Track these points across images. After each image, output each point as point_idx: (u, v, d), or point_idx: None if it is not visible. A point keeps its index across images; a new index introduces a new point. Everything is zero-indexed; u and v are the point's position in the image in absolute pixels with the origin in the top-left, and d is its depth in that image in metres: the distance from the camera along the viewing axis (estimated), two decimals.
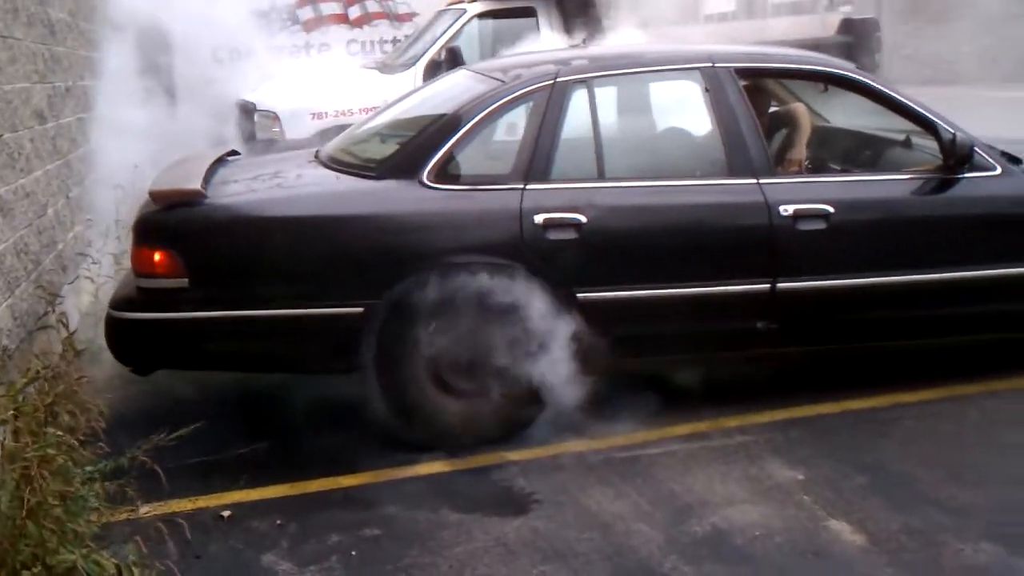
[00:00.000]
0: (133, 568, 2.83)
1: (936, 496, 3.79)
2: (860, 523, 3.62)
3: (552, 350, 4.22)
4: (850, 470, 4.01)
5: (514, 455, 4.21)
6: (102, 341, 4.47)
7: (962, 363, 4.95)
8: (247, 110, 9.56)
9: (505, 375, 4.22)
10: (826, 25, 12.14)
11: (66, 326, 4.39)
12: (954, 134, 4.59)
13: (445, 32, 9.83)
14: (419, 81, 9.33)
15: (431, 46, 9.79)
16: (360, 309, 4.18)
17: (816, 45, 8.90)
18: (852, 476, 3.96)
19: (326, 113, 9.18)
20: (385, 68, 10.02)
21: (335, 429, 4.42)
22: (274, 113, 9.27)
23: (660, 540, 3.55)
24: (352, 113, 9.00)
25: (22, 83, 4.97)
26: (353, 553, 3.53)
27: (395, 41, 11.72)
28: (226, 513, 3.82)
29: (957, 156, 4.58)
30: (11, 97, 4.72)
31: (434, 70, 9.29)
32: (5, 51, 4.69)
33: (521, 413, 4.31)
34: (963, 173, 4.63)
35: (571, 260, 4.30)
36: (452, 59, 8.94)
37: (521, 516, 3.76)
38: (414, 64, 9.68)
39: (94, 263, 5.82)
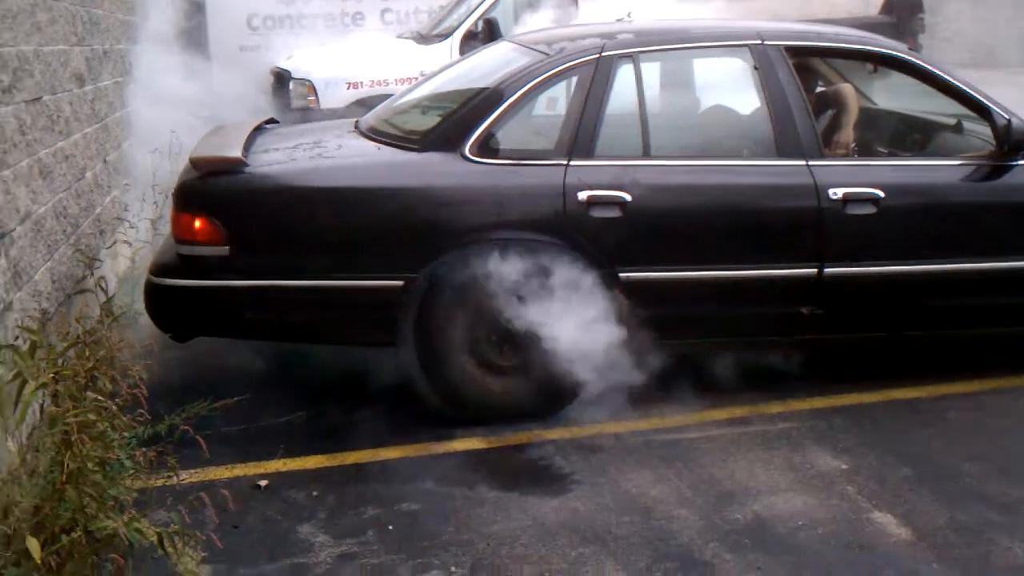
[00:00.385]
0: (175, 537, 2.80)
1: (985, 491, 3.71)
2: (906, 516, 3.55)
3: (592, 329, 4.15)
4: (895, 461, 3.94)
5: (552, 434, 4.17)
6: (139, 306, 4.46)
7: (1010, 354, 4.84)
8: (282, 78, 9.51)
9: (544, 353, 4.16)
10: (869, 4, 11.93)
11: (104, 291, 4.38)
12: (1009, 120, 4.48)
13: (482, 3, 9.72)
14: (455, 52, 9.24)
15: (467, 17, 9.70)
16: (400, 282, 4.14)
17: (858, 24, 8.74)
18: (897, 467, 3.89)
19: (361, 83, 9.12)
20: (421, 38, 9.93)
21: (373, 401, 4.39)
22: (309, 81, 9.21)
23: (701, 526, 3.50)
24: (387, 83, 8.94)
25: (61, 45, 4.94)
26: (390, 527, 3.50)
27: (430, 11, 11.62)
28: (263, 482, 3.81)
29: (1012, 142, 4.47)
30: (50, 59, 4.68)
31: (470, 41, 9.20)
32: (45, 12, 4.65)
33: (560, 392, 4.25)
34: (1018, 160, 4.52)
35: (614, 238, 4.23)
36: (489, 30, 8.84)
37: (559, 496, 3.72)
38: (450, 35, 9.59)
39: (131, 227, 5.80)
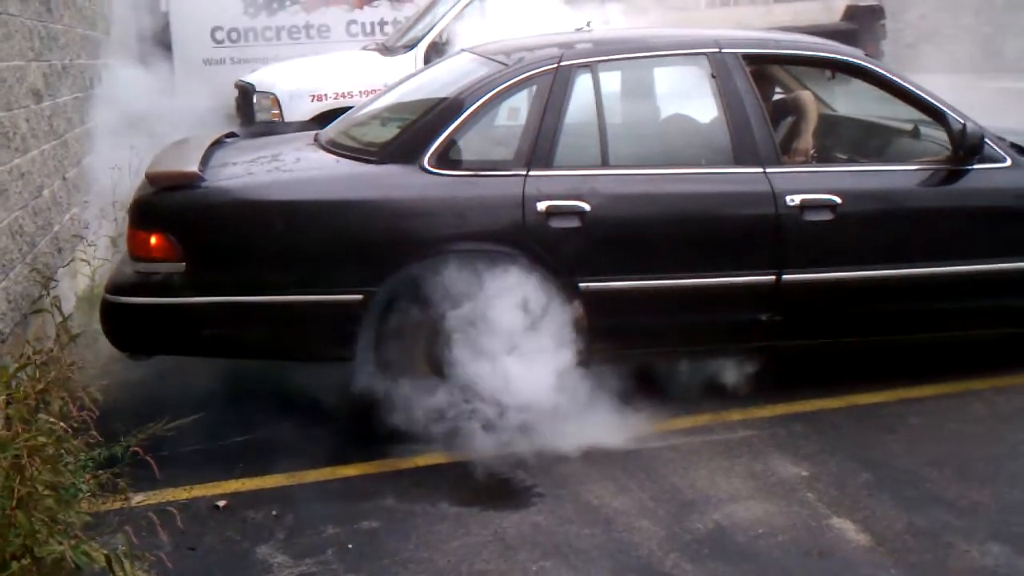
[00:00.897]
0: (124, 559, 2.76)
1: (943, 495, 3.73)
2: (865, 522, 3.56)
3: (553, 341, 4.15)
4: (855, 467, 3.95)
5: (514, 447, 4.12)
6: (99, 325, 4.40)
7: (969, 358, 4.88)
8: (246, 91, 9.46)
9: (505, 366, 4.14)
10: (831, 11, 11.99)
11: (60, 310, 4.33)
12: (964, 124, 4.52)
13: (447, 14, 9.71)
14: (420, 64, 9.21)
15: (432, 28, 9.68)
16: (359, 296, 4.12)
17: (820, 31, 8.78)
18: (857, 473, 3.90)
19: (326, 95, 9.08)
20: (385, 50, 9.90)
21: (333, 418, 4.35)
22: (273, 95, 9.16)
23: (662, 537, 3.50)
24: (352, 95, 8.89)
25: (17, 60, 4.89)
26: (349, 546, 3.47)
27: (396, 23, 11.60)
28: (221, 503, 3.77)
29: (966, 147, 4.51)
30: (5, 75, 4.64)
31: (435, 53, 9.18)
32: None
33: (520, 404, 4.22)
34: (972, 164, 4.56)
35: (573, 248, 4.23)
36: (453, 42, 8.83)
37: (521, 510, 3.70)
38: (415, 46, 9.56)
39: (90, 245, 5.74)
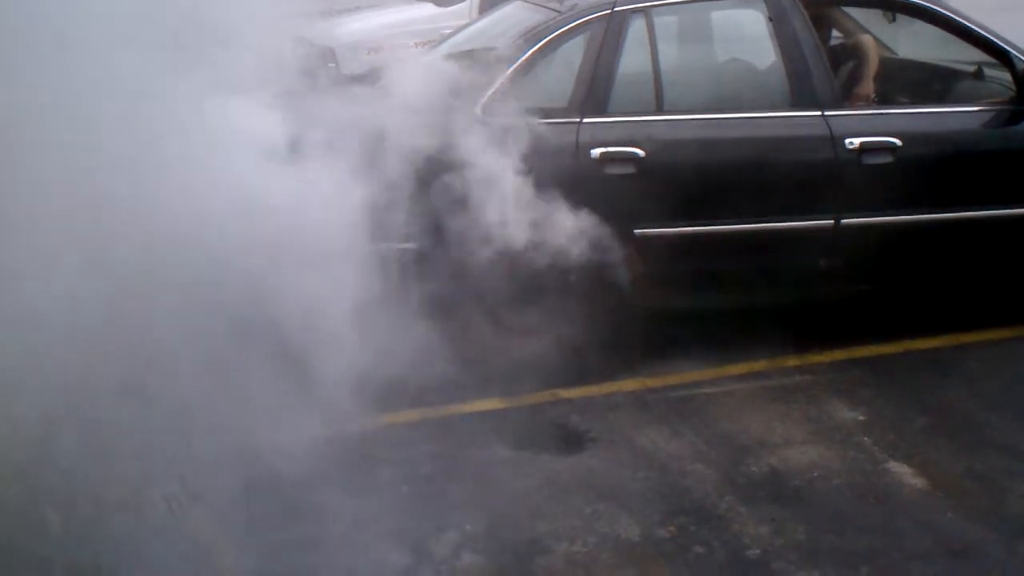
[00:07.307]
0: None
1: (1002, 439, 3.69)
2: (922, 466, 3.54)
3: (608, 288, 4.15)
4: (912, 412, 3.92)
5: (568, 393, 4.17)
6: None
7: None
8: (302, 45, 9.49)
9: (561, 313, 4.16)
10: None
11: None
12: None
13: None
14: (474, 13, 9.17)
15: None
16: (413, 245, 4.14)
17: None
18: (914, 418, 3.88)
19: (382, 48, 9.08)
20: (440, 1, 9.87)
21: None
22: (330, 48, 9.18)
23: (716, 480, 3.52)
24: (408, 48, 8.88)
25: None
26: (404, 489, 3.53)
27: None
28: None
29: None
30: None
31: (490, 2, 9.13)
32: None
33: (576, 351, 4.24)
34: None
35: (628, 195, 4.21)
36: None
37: (575, 454, 3.74)
38: None
39: None
